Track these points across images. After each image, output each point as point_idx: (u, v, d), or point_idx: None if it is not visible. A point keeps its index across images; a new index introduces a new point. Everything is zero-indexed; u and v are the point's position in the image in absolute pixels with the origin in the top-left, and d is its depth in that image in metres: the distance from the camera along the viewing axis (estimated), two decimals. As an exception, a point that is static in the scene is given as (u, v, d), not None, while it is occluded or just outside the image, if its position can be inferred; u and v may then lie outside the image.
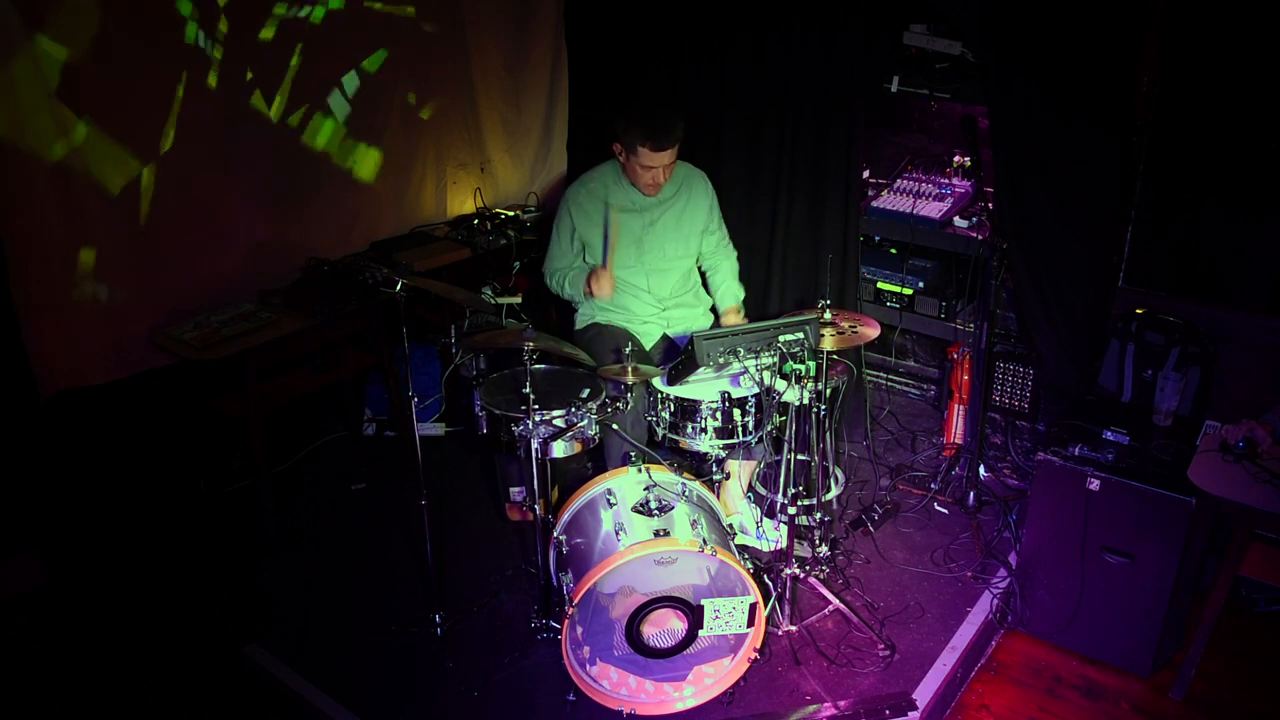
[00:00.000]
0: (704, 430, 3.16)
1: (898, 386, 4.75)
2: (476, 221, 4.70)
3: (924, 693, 3.02)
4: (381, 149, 4.48)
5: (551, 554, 3.15)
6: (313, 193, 4.26)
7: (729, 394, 3.11)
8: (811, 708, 2.99)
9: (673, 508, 2.97)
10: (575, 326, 3.81)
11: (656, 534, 2.83)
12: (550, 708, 2.98)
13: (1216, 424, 3.11)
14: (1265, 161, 3.33)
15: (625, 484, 3.10)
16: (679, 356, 3.11)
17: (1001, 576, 3.49)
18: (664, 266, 3.69)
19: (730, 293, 3.81)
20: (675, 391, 3.17)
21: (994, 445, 4.16)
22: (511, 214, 4.80)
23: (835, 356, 3.28)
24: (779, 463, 3.25)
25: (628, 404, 3.17)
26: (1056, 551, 3.22)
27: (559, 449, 3.06)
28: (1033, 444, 4.06)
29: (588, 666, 2.96)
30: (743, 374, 3.12)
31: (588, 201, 3.61)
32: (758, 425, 3.18)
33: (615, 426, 3.22)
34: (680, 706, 2.99)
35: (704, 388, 3.17)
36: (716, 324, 3.80)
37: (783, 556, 3.24)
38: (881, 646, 3.19)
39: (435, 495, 3.74)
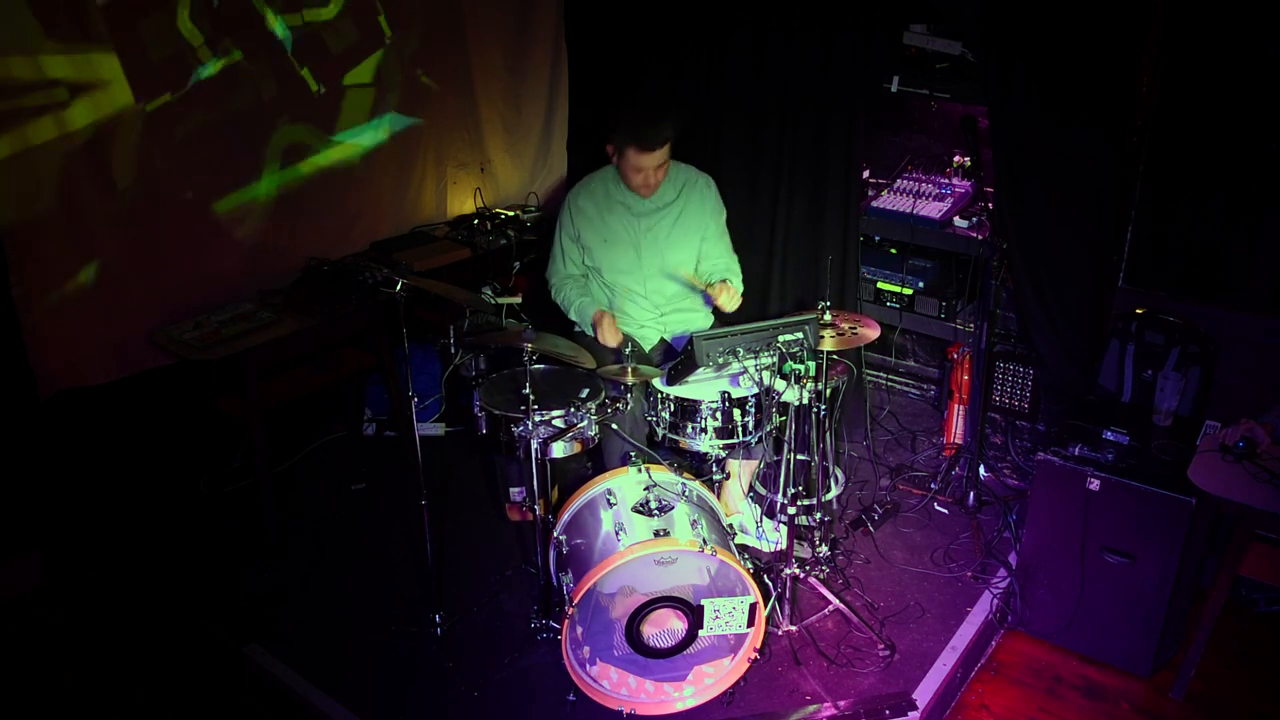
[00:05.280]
0: (704, 430, 3.16)
1: (898, 386, 4.75)
2: (476, 221, 4.70)
3: (924, 693, 3.02)
4: (381, 148, 4.48)
5: (551, 554, 3.15)
6: (313, 193, 4.26)
7: (729, 394, 3.11)
8: (811, 708, 2.99)
9: (673, 508, 2.97)
10: (574, 330, 3.80)
11: (656, 534, 2.83)
12: (550, 708, 2.98)
13: (1216, 424, 3.11)
14: (1265, 162, 3.33)
15: (625, 484, 3.10)
16: (678, 356, 3.11)
17: (1001, 576, 3.49)
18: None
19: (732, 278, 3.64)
20: (675, 391, 3.16)
21: (994, 445, 4.15)
22: (511, 214, 4.80)
23: (835, 356, 3.28)
24: (779, 463, 3.25)
25: (627, 404, 3.17)
26: (1056, 551, 3.22)
27: (559, 449, 3.06)
28: (1033, 444, 4.06)
29: (588, 666, 2.96)
30: (742, 374, 3.12)
31: (588, 204, 3.60)
32: (758, 425, 3.18)
33: (615, 427, 3.22)
34: (680, 706, 2.99)
35: (704, 388, 3.17)
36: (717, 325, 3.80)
37: (783, 556, 3.24)
38: (881, 646, 3.19)
39: (435, 495, 3.75)
